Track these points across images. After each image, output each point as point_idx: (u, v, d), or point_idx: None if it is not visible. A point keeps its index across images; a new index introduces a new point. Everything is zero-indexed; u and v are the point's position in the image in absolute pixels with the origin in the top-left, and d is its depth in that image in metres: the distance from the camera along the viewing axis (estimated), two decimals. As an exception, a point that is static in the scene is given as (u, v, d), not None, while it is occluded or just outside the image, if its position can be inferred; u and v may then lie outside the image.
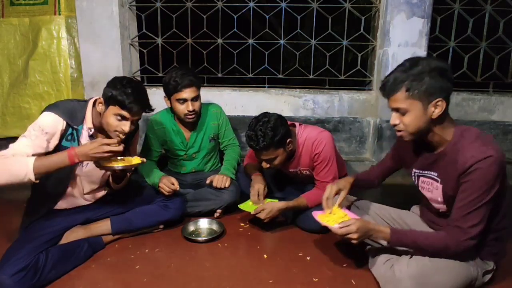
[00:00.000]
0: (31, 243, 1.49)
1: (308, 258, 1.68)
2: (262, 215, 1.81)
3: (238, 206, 1.95)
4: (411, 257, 1.36)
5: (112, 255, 1.70)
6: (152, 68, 2.86)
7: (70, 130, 1.58)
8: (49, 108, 1.56)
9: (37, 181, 1.42)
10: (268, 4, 2.86)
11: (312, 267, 1.60)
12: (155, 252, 1.72)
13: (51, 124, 1.52)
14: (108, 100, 1.55)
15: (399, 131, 1.34)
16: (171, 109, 2.13)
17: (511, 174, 2.67)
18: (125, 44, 2.76)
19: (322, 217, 1.53)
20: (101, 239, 1.75)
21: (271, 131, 1.73)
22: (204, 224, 1.98)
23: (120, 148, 1.47)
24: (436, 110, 1.25)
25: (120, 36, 2.66)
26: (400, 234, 1.38)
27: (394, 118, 1.33)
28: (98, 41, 2.65)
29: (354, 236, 1.35)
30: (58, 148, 1.55)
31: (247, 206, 1.92)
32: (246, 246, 1.82)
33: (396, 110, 1.31)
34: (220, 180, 2.04)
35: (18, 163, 1.39)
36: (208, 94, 2.76)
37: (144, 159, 1.66)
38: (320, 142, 1.87)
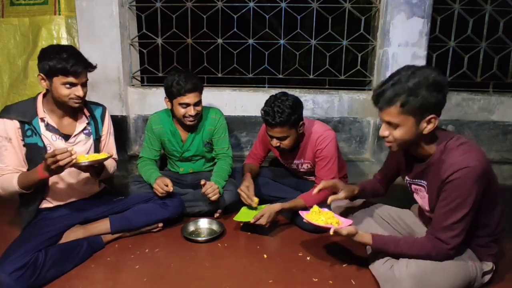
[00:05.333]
0: (30, 241, 1.50)
1: (308, 258, 1.68)
2: (263, 221, 1.80)
3: (234, 219, 1.91)
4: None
5: (111, 255, 1.70)
6: (152, 68, 2.86)
7: (26, 126, 1.59)
8: None
9: (30, 191, 1.56)
10: (268, 4, 2.86)
11: (312, 267, 1.60)
12: (155, 252, 1.73)
13: (4, 129, 1.56)
14: (49, 73, 1.53)
15: (388, 141, 1.33)
16: (171, 111, 2.12)
17: (509, 175, 2.70)
18: (125, 44, 2.75)
19: (310, 216, 1.56)
20: (100, 238, 1.76)
21: (289, 109, 1.75)
22: (204, 224, 1.98)
23: (66, 152, 1.41)
24: (428, 126, 1.24)
25: (120, 36, 2.66)
26: (383, 240, 1.39)
27: (384, 130, 1.31)
28: (98, 41, 2.65)
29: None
30: (26, 146, 1.59)
31: (243, 216, 1.89)
32: (246, 246, 1.82)
33: (388, 123, 1.28)
34: (212, 189, 1.93)
35: (6, 182, 1.55)
36: (208, 94, 2.74)
37: (112, 153, 1.66)
38: (324, 139, 1.90)
